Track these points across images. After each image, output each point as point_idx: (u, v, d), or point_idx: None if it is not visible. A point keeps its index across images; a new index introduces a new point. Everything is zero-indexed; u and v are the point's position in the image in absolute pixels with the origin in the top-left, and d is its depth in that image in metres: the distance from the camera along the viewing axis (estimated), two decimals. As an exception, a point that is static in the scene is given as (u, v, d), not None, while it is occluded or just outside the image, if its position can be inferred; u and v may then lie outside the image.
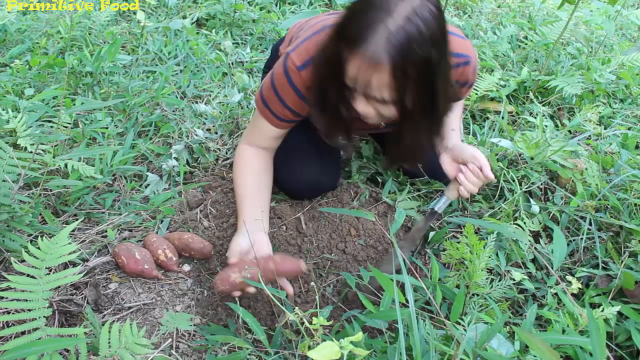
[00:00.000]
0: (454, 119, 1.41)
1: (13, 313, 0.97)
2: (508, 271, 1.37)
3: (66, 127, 1.52)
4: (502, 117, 1.93)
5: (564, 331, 1.07)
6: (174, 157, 1.68)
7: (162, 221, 1.49)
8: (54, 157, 1.31)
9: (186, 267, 1.40)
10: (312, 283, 1.38)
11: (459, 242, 1.22)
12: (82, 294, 1.26)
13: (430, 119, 1.19)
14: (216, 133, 1.85)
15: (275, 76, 1.30)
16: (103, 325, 1.02)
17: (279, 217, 1.51)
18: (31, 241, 1.28)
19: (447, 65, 1.13)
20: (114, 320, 1.22)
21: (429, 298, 1.18)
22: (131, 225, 1.47)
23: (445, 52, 1.10)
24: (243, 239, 1.26)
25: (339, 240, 1.46)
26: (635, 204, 1.50)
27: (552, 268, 1.28)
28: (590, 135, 1.88)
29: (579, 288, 1.19)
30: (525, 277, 1.31)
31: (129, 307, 1.27)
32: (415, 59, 1.00)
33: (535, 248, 1.45)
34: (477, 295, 1.21)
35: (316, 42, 1.20)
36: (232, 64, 2.32)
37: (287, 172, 1.50)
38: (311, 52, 1.22)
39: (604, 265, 1.38)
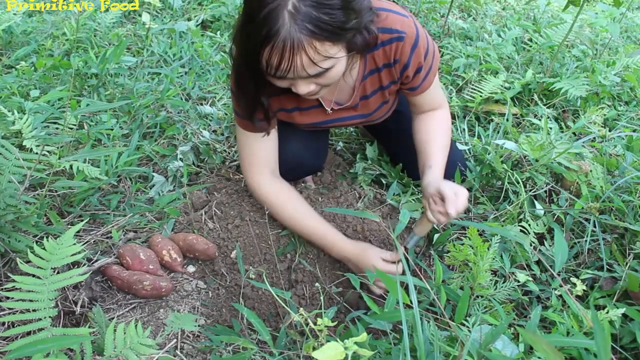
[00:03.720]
0: (434, 151, 1.36)
1: (19, 313, 0.97)
2: (512, 273, 1.36)
3: (71, 128, 1.53)
4: (507, 119, 1.92)
5: (568, 333, 1.07)
6: (179, 158, 1.69)
7: (167, 222, 1.49)
8: (59, 158, 1.32)
9: (191, 268, 1.40)
10: (317, 284, 1.38)
11: (462, 244, 1.22)
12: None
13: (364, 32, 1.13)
14: (222, 135, 1.86)
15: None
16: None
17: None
18: (37, 242, 1.28)
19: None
20: (120, 316, 1.22)
21: (433, 299, 1.18)
22: (136, 227, 1.48)
23: None
24: (373, 252, 1.35)
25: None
26: (640, 206, 1.49)
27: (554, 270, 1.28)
28: (594, 138, 1.88)
29: (584, 290, 1.19)
30: (530, 279, 1.31)
31: (133, 305, 1.27)
32: (326, 21, 0.98)
33: (540, 250, 1.45)
34: (482, 297, 1.20)
35: None
36: (237, 65, 2.32)
37: None
38: None
39: (608, 267, 1.38)
